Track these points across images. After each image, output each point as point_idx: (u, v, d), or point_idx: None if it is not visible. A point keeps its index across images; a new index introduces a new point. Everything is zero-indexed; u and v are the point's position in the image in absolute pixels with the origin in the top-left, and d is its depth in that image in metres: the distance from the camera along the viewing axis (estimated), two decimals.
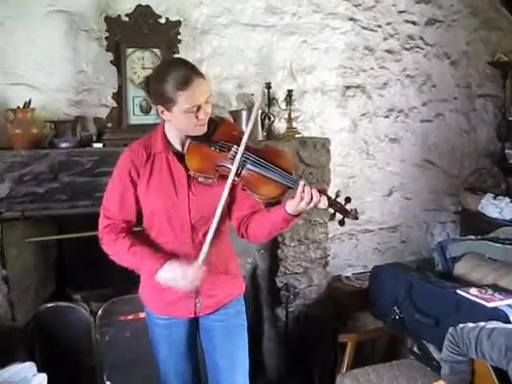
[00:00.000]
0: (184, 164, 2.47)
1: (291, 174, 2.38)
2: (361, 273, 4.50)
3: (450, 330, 2.83)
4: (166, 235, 2.56)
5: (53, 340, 3.49)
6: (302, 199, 2.30)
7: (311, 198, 2.28)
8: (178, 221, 2.53)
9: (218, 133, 2.50)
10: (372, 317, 4.10)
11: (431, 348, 3.65)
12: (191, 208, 2.51)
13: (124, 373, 3.60)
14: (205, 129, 2.45)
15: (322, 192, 2.31)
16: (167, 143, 2.52)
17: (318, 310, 4.08)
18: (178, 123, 2.43)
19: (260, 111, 3.87)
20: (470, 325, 2.76)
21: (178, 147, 2.52)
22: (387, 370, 3.68)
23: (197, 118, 2.37)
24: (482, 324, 2.73)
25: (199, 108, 2.36)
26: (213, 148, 2.45)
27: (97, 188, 3.32)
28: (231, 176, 2.37)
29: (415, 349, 3.86)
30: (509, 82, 5.05)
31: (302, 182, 2.31)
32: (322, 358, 4.09)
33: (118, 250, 2.53)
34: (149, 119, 3.57)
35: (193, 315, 2.67)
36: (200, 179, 2.48)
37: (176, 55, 3.59)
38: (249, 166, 2.40)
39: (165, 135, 2.53)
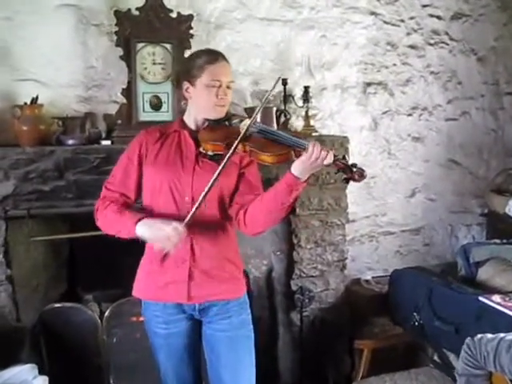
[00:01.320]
0: (196, 142, 2.53)
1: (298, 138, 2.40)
2: (381, 276, 4.37)
3: (467, 340, 2.69)
4: (170, 209, 2.52)
5: (59, 341, 3.42)
6: (310, 157, 2.26)
7: (319, 153, 2.26)
8: (181, 194, 2.51)
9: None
10: (391, 322, 4.00)
11: (451, 357, 3.54)
12: (194, 183, 2.50)
13: (131, 375, 3.54)
14: (223, 112, 2.53)
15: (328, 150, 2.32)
16: (183, 124, 2.61)
17: (334, 314, 3.97)
18: (200, 100, 2.53)
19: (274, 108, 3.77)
20: (489, 335, 2.63)
21: (194, 128, 2.59)
22: (405, 379, 3.56)
23: (217, 96, 2.48)
24: (501, 335, 2.59)
25: (220, 86, 2.49)
26: (227, 123, 2.55)
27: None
28: (238, 140, 2.37)
29: (435, 357, 3.74)
30: None
31: (311, 141, 2.31)
32: (338, 364, 3.98)
33: (106, 214, 2.54)
34: (159, 116, 3.52)
35: (185, 301, 2.57)
36: (209, 153, 2.49)
37: (188, 50, 3.50)
38: (256, 132, 2.45)
39: (183, 121, 2.63)
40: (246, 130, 2.40)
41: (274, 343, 3.98)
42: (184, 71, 2.57)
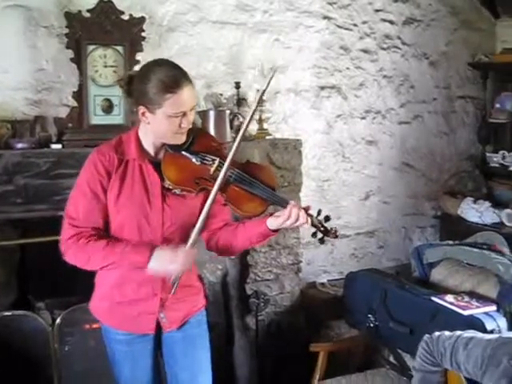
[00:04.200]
0: (159, 173, 2.35)
1: (275, 191, 2.34)
2: (336, 279, 4.39)
3: (425, 337, 2.72)
4: None
5: (9, 350, 3.32)
6: (288, 219, 2.25)
7: (297, 219, 2.24)
8: (150, 233, 2.38)
9: (197, 143, 2.40)
10: (346, 325, 4.00)
11: (407, 357, 3.56)
12: (165, 221, 2.38)
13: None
14: (184, 138, 2.34)
15: (307, 212, 2.29)
16: (142, 149, 2.39)
17: (290, 318, 3.97)
18: (158, 128, 2.30)
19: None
20: (446, 333, 2.66)
21: (152, 153, 2.40)
22: (361, 381, 3.58)
23: (180, 125, 2.27)
24: (458, 333, 2.63)
25: (184, 115, 2.26)
26: (194, 160, 2.35)
27: (55, 191, 3.19)
28: (214, 191, 2.27)
29: (391, 358, 3.76)
30: (489, 84, 4.98)
31: (291, 203, 2.28)
32: (294, 368, 3.96)
33: (93, 253, 2.32)
34: (111, 119, 3.47)
35: (153, 332, 2.52)
36: (177, 191, 2.35)
37: (140, 53, 3.48)
38: (233, 181, 2.33)
39: (139, 140, 2.40)
40: (223, 179, 2.26)
41: (229, 348, 3.94)
42: (139, 93, 2.29)
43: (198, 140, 2.40)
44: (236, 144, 2.31)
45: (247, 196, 2.33)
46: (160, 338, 2.62)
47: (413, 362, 2.84)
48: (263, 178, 2.36)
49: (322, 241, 2.38)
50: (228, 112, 3.74)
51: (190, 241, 2.31)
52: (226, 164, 2.27)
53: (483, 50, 4.95)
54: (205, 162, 2.35)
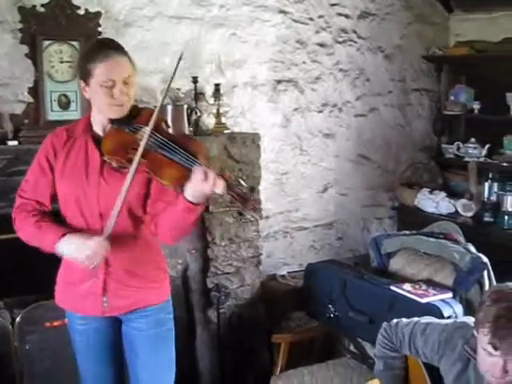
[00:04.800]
0: (100, 149, 2.42)
1: (197, 159, 2.28)
2: (296, 271, 4.41)
3: (384, 324, 2.77)
4: (78, 222, 2.47)
5: None
6: (198, 181, 2.20)
7: (206, 179, 2.18)
8: (88, 208, 2.44)
9: (139, 119, 2.43)
10: (308, 316, 4.04)
11: (367, 346, 3.60)
12: (100, 196, 2.42)
13: (47, 382, 3.43)
14: (122, 111, 2.40)
15: (222, 176, 2.21)
16: (88, 127, 2.49)
17: (251, 310, 3.99)
18: (95, 100, 2.41)
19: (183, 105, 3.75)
20: (404, 320, 2.71)
21: (100, 132, 2.47)
22: (322, 371, 3.62)
23: (111, 96, 2.35)
24: (416, 319, 2.69)
25: (115, 84, 2.34)
26: (127, 130, 2.40)
27: (12, 188, 3.08)
28: (137, 156, 2.29)
29: (352, 348, 3.80)
30: (443, 76, 5.07)
31: (199, 164, 2.24)
32: (256, 359, 4.01)
33: (26, 227, 2.47)
34: (68, 115, 3.44)
35: (100, 314, 2.54)
36: (113, 164, 2.39)
37: None
38: (155, 146, 2.34)
39: (89, 120, 2.51)
40: (144, 147, 2.28)
41: (191, 342, 3.95)
42: (79, 69, 2.46)
43: (140, 116, 2.45)
44: (157, 109, 2.36)
45: (167, 162, 2.32)
46: (121, 332, 2.64)
47: (373, 350, 2.89)
48: (188, 147, 2.34)
49: (240, 213, 2.31)
50: (186, 107, 3.74)
51: (112, 222, 2.34)
52: (148, 129, 2.31)
53: (437, 44, 5.03)
54: (135, 131, 2.38)
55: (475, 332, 2.20)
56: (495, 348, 2.08)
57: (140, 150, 2.28)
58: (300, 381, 3.51)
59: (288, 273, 4.43)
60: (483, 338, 2.12)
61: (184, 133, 2.54)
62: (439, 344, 2.48)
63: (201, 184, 2.19)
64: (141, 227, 2.51)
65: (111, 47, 2.40)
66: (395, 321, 2.74)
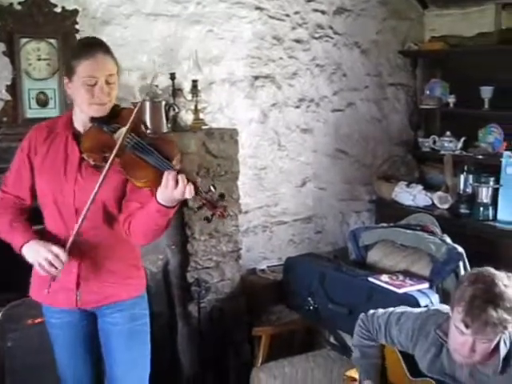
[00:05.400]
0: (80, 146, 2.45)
1: (171, 162, 2.30)
2: (276, 265, 4.45)
3: (361, 315, 2.84)
4: (55, 218, 2.50)
5: None
6: (168, 185, 2.20)
7: (176, 184, 2.18)
8: (64, 204, 2.47)
9: (119, 119, 2.45)
10: (288, 309, 4.08)
11: (347, 338, 3.64)
12: (76, 192, 2.44)
13: (29, 379, 3.41)
14: (103, 111, 2.42)
15: (192, 181, 2.21)
16: (70, 123, 2.51)
17: (231, 304, 4.02)
18: (77, 97, 2.42)
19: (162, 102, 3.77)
20: (380, 310, 2.78)
21: (80, 129, 2.49)
22: (303, 362, 3.67)
23: (93, 94, 2.36)
24: (391, 309, 2.76)
25: (96, 83, 2.35)
26: (105, 129, 2.42)
27: None
28: (111, 156, 2.30)
29: (332, 339, 3.85)
30: (419, 71, 5.13)
31: (171, 168, 2.25)
32: (238, 353, 4.04)
33: (1, 224, 2.52)
34: (47, 112, 3.45)
35: (74, 306, 2.57)
36: (90, 162, 2.40)
37: None
38: (130, 147, 2.35)
39: (70, 117, 2.53)
40: (120, 146, 2.29)
41: (173, 336, 3.97)
42: (64, 65, 2.51)
43: (121, 115, 2.46)
44: (135, 110, 2.37)
45: (141, 164, 2.32)
46: (96, 328, 2.67)
47: (352, 341, 2.94)
48: (163, 149, 2.35)
49: (207, 219, 2.29)
50: (164, 103, 3.76)
51: (78, 223, 2.36)
52: (124, 130, 2.32)
53: (412, 39, 5.08)
54: (113, 131, 2.40)
55: (450, 311, 2.27)
56: (467, 326, 2.16)
57: (115, 149, 2.29)
58: (281, 372, 3.56)
59: (268, 267, 4.46)
60: (457, 316, 2.19)
61: (161, 134, 2.55)
62: (413, 332, 2.54)
63: (171, 188, 2.19)
64: (115, 226, 2.52)
65: (96, 45, 2.42)
66: (371, 311, 2.80)
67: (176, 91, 3.90)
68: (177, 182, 2.18)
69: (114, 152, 2.29)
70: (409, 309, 2.74)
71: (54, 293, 2.52)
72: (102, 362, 2.75)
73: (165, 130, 3.71)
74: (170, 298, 3.96)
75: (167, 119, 3.76)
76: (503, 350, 2.26)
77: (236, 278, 4.05)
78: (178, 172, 2.21)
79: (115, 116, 2.45)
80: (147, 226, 2.39)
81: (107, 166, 2.30)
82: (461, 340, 2.22)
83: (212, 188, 2.24)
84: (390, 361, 2.76)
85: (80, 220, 2.36)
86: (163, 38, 3.95)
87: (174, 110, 3.83)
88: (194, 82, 3.89)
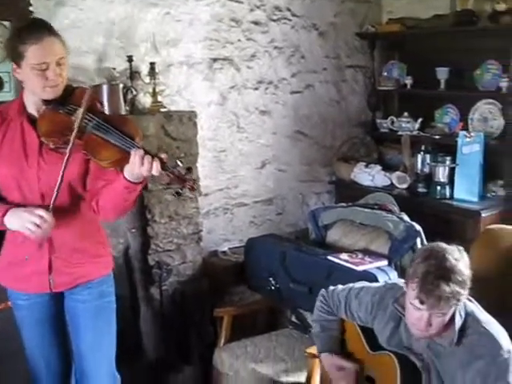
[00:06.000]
0: (37, 130, 2.41)
1: (134, 140, 2.32)
2: (237, 247, 4.45)
3: (322, 291, 2.88)
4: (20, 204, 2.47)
5: None
6: (135, 163, 2.24)
7: (142, 162, 2.22)
8: (29, 189, 2.45)
9: (72, 98, 2.43)
10: (250, 290, 4.11)
11: (308, 316, 3.67)
12: (40, 176, 2.43)
13: None
14: (56, 92, 2.38)
15: (158, 158, 2.26)
16: (23, 108, 2.47)
17: (193, 286, 4.03)
18: (28, 82, 2.37)
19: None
20: (340, 286, 2.83)
21: (34, 113, 2.45)
22: (265, 341, 3.72)
23: (46, 78, 2.32)
24: (351, 285, 2.81)
25: (48, 67, 2.31)
26: (61, 111, 2.39)
27: None
28: (72, 137, 2.29)
29: (293, 318, 3.88)
30: (377, 53, 5.16)
31: (136, 147, 2.28)
32: (201, 334, 4.05)
33: None
34: (2, 96, 3.36)
35: (48, 290, 2.57)
36: (50, 145, 2.38)
37: None
38: (90, 128, 2.34)
39: (22, 101, 2.48)
40: (79, 127, 2.30)
41: (135, 320, 3.97)
42: (10, 49, 2.38)
43: (74, 95, 2.44)
44: (88, 92, 2.37)
45: (103, 144, 2.33)
46: (63, 306, 2.67)
47: (312, 316, 2.97)
48: (124, 128, 2.37)
49: (178, 193, 2.34)
50: (121, 86, 3.72)
51: (52, 199, 2.36)
52: (81, 111, 2.31)
53: (370, 21, 5.11)
54: (70, 112, 2.38)
55: (405, 287, 2.31)
56: (422, 302, 2.20)
57: (74, 131, 2.29)
58: (243, 352, 3.59)
59: (229, 249, 4.47)
60: (411, 293, 2.23)
61: (119, 113, 2.55)
62: (372, 305, 2.59)
63: (138, 166, 2.23)
64: (81, 204, 2.54)
65: (43, 29, 2.35)
66: (332, 287, 2.84)
67: (134, 74, 3.86)
68: (143, 159, 2.21)
69: (74, 133, 2.29)
70: (368, 284, 2.79)
71: (26, 278, 2.53)
72: (70, 341, 2.75)
73: (123, 112, 3.68)
74: (131, 281, 3.95)
75: (125, 102, 3.73)
76: (458, 322, 2.30)
77: (197, 260, 4.06)
78: (144, 148, 2.24)
79: (68, 96, 2.43)
80: (116, 202, 2.43)
81: (69, 149, 2.29)
82: (416, 315, 2.26)
83: (179, 162, 2.28)
84: (350, 334, 2.80)
85: (51, 202, 2.35)
86: (120, 21, 3.89)
87: (131, 92, 3.79)
88: (152, 64, 3.86)
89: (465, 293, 2.23)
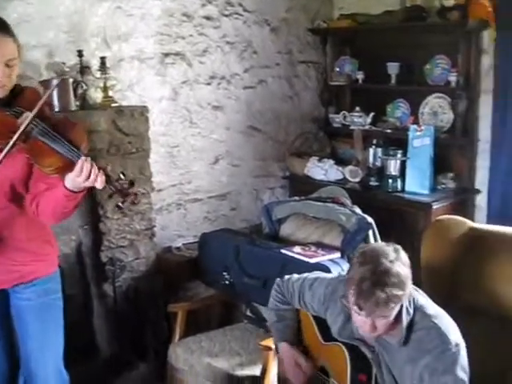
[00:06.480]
0: None
1: (78, 149, 2.28)
2: (191, 243, 4.43)
3: (277, 280, 2.88)
4: None
5: None
6: (79, 175, 2.21)
7: (89, 176, 2.20)
8: None
9: (21, 99, 2.37)
10: (204, 285, 4.10)
11: (262, 310, 3.69)
12: None
13: None
14: (3, 92, 2.32)
15: (102, 170, 2.23)
16: None
17: (147, 282, 4.00)
18: None
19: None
20: (295, 276, 2.83)
21: None
22: (220, 336, 3.71)
23: None
24: (305, 275, 2.81)
25: None
26: (7, 113, 2.32)
27: None
28: (13, 140, 2.22)
29: (248, 312, 3.89)
30: (329, 49, 5.21)
31: (82, 158, 2.23)
32: (155, 331, 4.03)
33: None
34: None
35: None
36: None
37: None
38: (36, 133, 2.28)
39: None
40: (23, 131, 2.23)
41: (89, 318, 3.93)
42: None
43: (22, 96, 2.39)
44: (44, 98, 2.31)
45: (47, 150, 2.27)
46: (8, 306, 2.63)
47: (268, 305, 2.98)
48: (70, 135, 2.31)
49: (119, 207, 2.33)
50: (71, 80, 3.68)
51: None
52: (30, 116, 2.24)
53: (321, 17, 5.14)
54: (16, 114, 2.32)
55: (346, 291, 2.31)
56: (360, 308, 2.19)
57: (16, 135, 2.22)
58: (198, 347, 3.58)
59: (183, 244, 4.45)
60: (351, 299, 2.23)
61: (67, 117, 2.50)
62: (325, 297, 2.59)
63: (83, 178, 2.20)
64: (23, 204, 2.50)
65: None
66: (287, 277, 2.85)
67: (84, 69, 3.82)
68: (87, 172, 2.19)
69: (16, 136, 2.21)
70: (322, 274, 2.80)
71: None
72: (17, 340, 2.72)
73: (73, 107, 3.65)
74: (84, 278, 3.91)
75: (75, 97, 3.69)
76: (406, 319, 2.28)
77: (151, 256, 4.03)
78: (88, 160, 2.21)
79: (16, 96, 2.38)
80: (55, 208, 2.40)
81: (7, 149, 2.22)
82: (360, 319, 2.26)
83: (122, 176, 2.26)
84: (305, 324, 2.82)
85: None
86: (70, 15, 3.84)
87: (82, 87, 3.75)
88: (103, 59, 3.81)
89: (404, 292, 2.21)
